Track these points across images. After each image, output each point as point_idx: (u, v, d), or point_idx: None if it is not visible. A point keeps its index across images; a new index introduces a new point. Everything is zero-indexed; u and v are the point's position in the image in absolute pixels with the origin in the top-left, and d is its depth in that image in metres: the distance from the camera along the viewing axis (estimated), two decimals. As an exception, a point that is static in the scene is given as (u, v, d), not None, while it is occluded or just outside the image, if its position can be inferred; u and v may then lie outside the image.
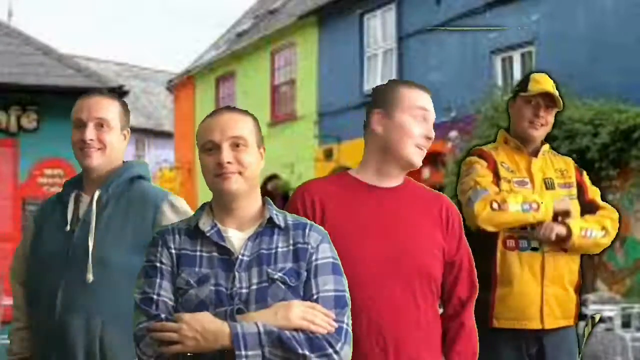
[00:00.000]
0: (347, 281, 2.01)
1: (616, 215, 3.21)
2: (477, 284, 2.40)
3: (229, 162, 1.98)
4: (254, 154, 2.03)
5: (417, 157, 2.28)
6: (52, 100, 8.86)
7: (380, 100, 2.39)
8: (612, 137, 9.93)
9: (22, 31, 10.12)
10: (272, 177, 19.14)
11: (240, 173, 1.99)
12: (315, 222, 2.18)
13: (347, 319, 1.93)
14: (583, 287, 3.25)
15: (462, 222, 2.45)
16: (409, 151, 2.27)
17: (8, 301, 8.28)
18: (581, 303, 3.24)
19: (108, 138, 2.46)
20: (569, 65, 11.07)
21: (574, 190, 3.19)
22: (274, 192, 19.21)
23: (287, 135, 18.56)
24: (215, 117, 2.06)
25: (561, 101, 3.18)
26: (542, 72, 3.29)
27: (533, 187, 3.13)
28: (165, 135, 30.37)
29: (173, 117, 26.95)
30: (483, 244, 3.05)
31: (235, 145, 2.00)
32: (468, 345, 2.34)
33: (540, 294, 3.07)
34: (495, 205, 3.01)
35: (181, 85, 24.66)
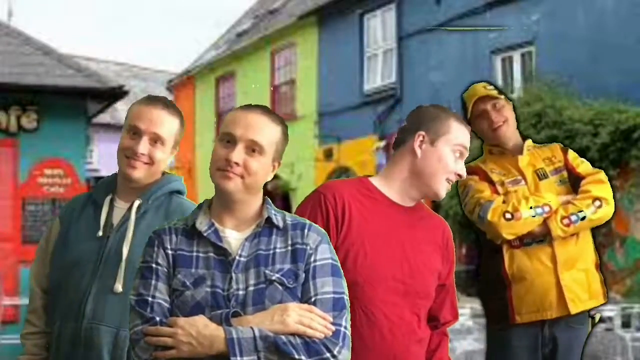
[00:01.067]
0: (347, 284, 1.98)
1: (598, 176, 3.19)
2: (458, 311, 2.49)
3: (236, 163, 1.94)
4: (265, 163, 1.99)
5: (443, 191, 2.31)
6: (52, 100, 8.85)
7: (428, 124, 2.37)
8: (612, 137, 9.93)
9: (22, 31, 10.12)
10: (272, 177, 19.09)
11: (242, 177, 1.95)
12: (338, 221, 2.22)
13: (346, 322, 1.90)
14: (602, 263, 3.26)
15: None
16: (439, 184, 2.29)
17: (8, 301, 8.29)
18: (605, 280, 3.26)
19: (159, 155, 2.40)
20: (569, 65, 11.08)
21: (565, 174, 3.23)
22: (274, 192, 19.20)
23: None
24: (245, 112, 2.03)
25: (495, 92, 3.22)
26: (474, 84, 3.32)
27: (526, 182, 3.18)
28: (165, 135, 30.30)
29: (173, 117, 26.91)
30: (490, 247, 3.14)
31: (251, 150, 1.96)
32: (443, 353, 2.42)
33: (555, 282, 3.08)
34: (508, 216, 3.06)
35: (181, 85, 24.66)
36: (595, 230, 3.22)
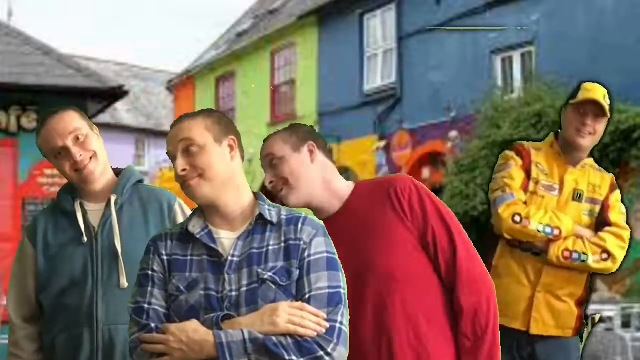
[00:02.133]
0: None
1: (624, 233, 3.12)
2: (465, 256, 2.22)
3: (183, 170, 1.93)
4: (212, 152, 1.94)
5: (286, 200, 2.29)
6: (52, 100, 8.84)
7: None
8: (612, 137, 9.93)
9: (22, 31, 10.11)
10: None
11: (200, 176, 1.92)
12: None
13: (342, 317, 1.85)
14: (587, 302, 3.22)
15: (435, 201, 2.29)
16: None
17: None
18: (585, 317, 3.19)
19: (93, 145, 2.41)
20: (569, 65, 11.08)
21: (598, 208, 3.17)
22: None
23: (287, 135, 18.56)
24: (170, 130, 2.03)
25: (607, 110, 3.14)
26: (597, 84, 3.23)
27: (560, 195, 3.12)
28: (165, 135, 29.89)
29: (173, 117, 26.95)
30: (491, 234, 3.13)
31: (186, 151, 1.94)
32: (469, 326, 2.18)
33: (530, 297, 3.06)
34: (517, 219, 3.02)
35: (181, 85, 24.66)
36: (595, 230, 3.18)
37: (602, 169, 3.28)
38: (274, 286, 1.85)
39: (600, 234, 3.09)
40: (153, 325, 1.88)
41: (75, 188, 2.45)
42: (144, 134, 32.62)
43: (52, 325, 2.36)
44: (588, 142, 3.14)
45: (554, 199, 3.11)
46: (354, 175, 16.51)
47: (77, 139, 2.37)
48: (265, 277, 1.86)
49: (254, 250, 1.90)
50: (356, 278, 2.11)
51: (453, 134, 13.47)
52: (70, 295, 2.33)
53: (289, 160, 2.28)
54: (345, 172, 17.10)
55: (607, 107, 3.12)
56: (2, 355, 2.47)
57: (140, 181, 2.53)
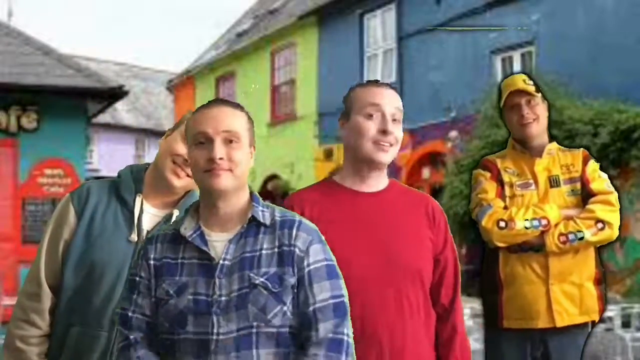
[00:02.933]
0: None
1: (608, 197, 3.13)
2: (459, 288, 2.38)
3: (221, 158, 1.88)
4: (245, 151, 1.94)
5: (376, 154, 2.23)
6: (52, 100, 8.86)
7: (343, 108, 2.41)
8: (612, 137, 9.94)
9: (22, 31, 10.12)
10: (272, 177, 19.15)
11: (230, 170, 1.89)
12: None
13: (347, 329, 1.86)
14: (604, 281, 3.21)
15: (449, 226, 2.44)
16: (366, 150, 2.24)
17: (8, 301, 8.28)
18: (605, 297, 3.19)
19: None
20: (569, 65, 11.08)
21: (578, 185, 3.17)
22: (274, 192, 19.21)
23: (287, 135, 18.57)
24: (208, 109, 1.95)
25: (533, 90, 3.16)
26: (513, 74, 3.30)
27: (537, 188, 3.14)
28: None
29: (173, 117, 26.96)
30: (489, 248, 3.13)
31: (229, 141, 1.90)
32: (463, 354, 2.35)
33: (545, 292, 3.06)
34: (502, 224, 3.05)
35: (181, 85, 24.66)
36: (583, 205, 3.18)
37: (570, 148, 3.29)
38: (265, 292, 1.82)
39: (588, 206, 3.10)
40: (132, 337, 1.88)
41: (142, 181, 2.32)
42: (144, 134, 32.61)
43: (70, 312, 2.24)
44: (535, 128, 3.16)
45: (534, 194, 3.13)
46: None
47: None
48: (257, 282, 1.82)
49: (247, 254, 1.86)
50: (381, 266, 2.19)
51: (453, 134, 13.47)
52: (97, 288, 2.22)
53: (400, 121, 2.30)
54: (345, 172, 17.10)
55: (532, 89, 3.15)
56: (2, 356, 2.37)
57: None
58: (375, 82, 2.34)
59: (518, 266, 3.08)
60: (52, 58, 9.29)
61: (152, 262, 1.91)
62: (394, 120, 2.24)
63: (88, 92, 8.92)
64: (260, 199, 1.98)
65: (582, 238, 3.04)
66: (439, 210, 2.35)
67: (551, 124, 3.30)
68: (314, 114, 17.84)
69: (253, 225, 1.90)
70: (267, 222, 1.91)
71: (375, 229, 2.22)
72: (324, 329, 1.83)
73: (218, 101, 1.99)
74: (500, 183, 3.16)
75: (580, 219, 3.07)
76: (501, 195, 3.14)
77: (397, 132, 2.24)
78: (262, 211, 1.92)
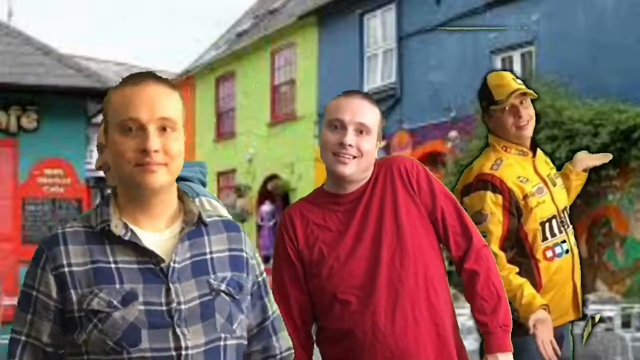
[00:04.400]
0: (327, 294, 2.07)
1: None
2: (472, 230, 2.30)
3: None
4: (182, 141, 1.64)
5: (335, 166, 2.23)
6: (52, 100, 8.86)
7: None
8: (612, 137, 9.93)
9: (22, 31, 10.12)
10: (272, 177, 19.14)
11: (166, 165, 1.60)
12: (299, 244, 2.25)
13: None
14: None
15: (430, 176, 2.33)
16: (328, 162, 2.27)
17: (8, 301, 8.29)
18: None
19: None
20: (569, 65, 11.08)
21: (559, 174, 3.15)
22: (274, 192, 19.20)
23: (287, 135, 18.56)
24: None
25: (523, 86, 3.01)
26: (499, 72, 3.13)
27: (548, 189, 3.01)
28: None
29: (173, 117, 26.94)
30: (519, 261, 2.93)
31: (163, 129, 1.60)
32: (487, 290, 2.26)
33: (573, 287, 3.03)
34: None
35: (181, 85, 24.64)
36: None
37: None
38: (228, 298, 1.62)
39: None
40: None
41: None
42: (144, 134, 32.58)
43: None
44: (531, 129, 3.03)
45: (549, 197, 3.00)
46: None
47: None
48: (222, 288, 1.62)
49: (198, 257, 1.63)
50: (373, 255, 2.19)
51: (453, 134, 13.46)
52: None
53: (373, 139, 2.26)
54: (345, 172, 17.09)
55: (522, 85, 3.01)
56: (3, 356, 2.37)
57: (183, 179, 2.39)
58: (345, 94, 2.32)
59: (557, 271, 3.00)
60: (52, 58, 9.29)
61: (66, 269, 1.56)
62: (360, 132, 2.22)
63: (88, 92, 8.92)
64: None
65: (564, 241, 2.99)
66: (415, 168, 2.30)
67: (551, 124, 3.26)
68: (314, 114, 17.83)
69: (193, 224, 1.66)
70: (207, 220, 1.68)
71: (361, 229, 2.24)
72: (285, 340, 1.78)
73: (150, 77, 1.63)
74: (509, 210, 2.89)
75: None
76: (509, 228, 2.89)
77: (363, 143, 2.21)
78: (197, 207, 1.69)
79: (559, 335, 2.92)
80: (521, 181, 2.94)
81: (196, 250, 1.64)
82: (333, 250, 2.22)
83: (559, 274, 2.98)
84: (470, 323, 6.80)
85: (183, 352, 1.54)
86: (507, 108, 2.99)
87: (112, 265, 1.57)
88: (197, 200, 1.79)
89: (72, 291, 1.55)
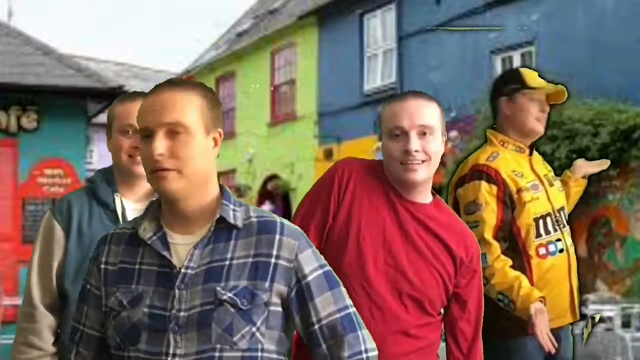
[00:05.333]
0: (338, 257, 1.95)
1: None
2: (481, 328, 2.25)
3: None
4: (200, 143, 1.62)
5: (405, 174, 2.12)
6: (52, 100, 8.86)
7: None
8: (612, 137, 9.93)
9: (22, 31, 10.12)
10: (272, 177, 19.14)
11: (178, 170, 1.60)
12: (340, 194, 2.13)
13: (365, 344, 1.66)
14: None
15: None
16: (396, 171, 2.15)
17: (8, 301, 8.28)
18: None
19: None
20: (569, 65, 11.07)
21: (557, 178, 3.15)
22: (274, 192, 19.20)
23: (287, 135, 18.57)
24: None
25: (565, 93, 3.06)
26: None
27: (544, 188, 3.01)
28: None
29: (173, 117, 26.97)
30: (511, 256, 2.91)
31: (173, 134, 1.62)
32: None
33: (569, 289, 3.01)
34: (483, 281, 2.71)
35: (181, 85, 24.66)
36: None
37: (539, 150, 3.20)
38: (232, 309, 1.56)
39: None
40: (81, 356, 1.71)
41: (114, 180, 2.32)
42: (144, 134, 32.59)
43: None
44: (543, 127, 3.07)
45: (542, 195, 2.98)
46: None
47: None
48: (224, 297, 1.56)
49: (214, 263, 1.60)
50: (387, 277, 2.13)
51: (453, 134, 13.46)
52: None
53: (438, 137, 2.17)
54: (345, 172, 17.10)
55: (563, 90, 3.06)
56: (2, 356, 2.37)
57: None
58: (399, 100, 2.20)
59: (551, 269, 2.97)
60: (52, 58, 9.29)
61: (103, 266, 1.67)
62: (423, 134, 2.12)
63: (88, 92, 8.92)
64: (232, 195, 1.71)
65: (559, 239, 2.97)
66: (475, 250, 2.22)
67: (551, 124, 3.25)
68: (314, 114, 17.83)
69: (222, 227, 1.62)
70: (239, 223, 1.62)
71: (403, 241, 2.14)
72: (357, 341, 1.64)
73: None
74: (503, 200, 2.89)
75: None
76: (502, 219, 2.89)
77: (429, 146, 2.11)
78: (234, 210, 1.64)
79: (556, 337, 2.85)
80: (516, 175, 2.94)
81: (217, 255, 1.60)
82: (362, 236, 2.12)
83: (553, 273, 2.94)
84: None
85: (168, 359, 1.55)
86: (535, 97, 3.00)
87: (136, 267, 1.63)
88: (243, 205, 1.68)
89: (103, 287, 1.67)
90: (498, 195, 2.87)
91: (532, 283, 2.85)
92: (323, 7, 17.26)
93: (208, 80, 22.86)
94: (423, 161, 2.10)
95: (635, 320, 8.09)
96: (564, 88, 3.05)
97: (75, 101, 9.02)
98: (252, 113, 20.20)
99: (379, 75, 16.28)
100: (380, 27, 16.35)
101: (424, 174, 2.11)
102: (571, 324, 3.12)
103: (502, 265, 2.80)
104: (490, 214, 2.85)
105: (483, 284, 2.38)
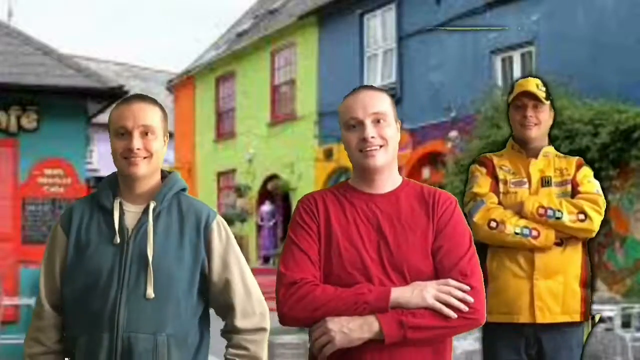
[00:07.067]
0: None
1: (596, 197, 3.18)
2: (467, 273, 2.23)
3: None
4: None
5: (365, 160, 2.24)
6: (52, 100, 8.85)
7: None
8: (612, 137, 9.93)
9: (22, 31, 10.11)
10: (272, 177, 19.13)
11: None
12: (320, 222, 2.24)
13: None
14: (593, 281, 3.24)
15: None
16: (357, 160, 2.28)
17: (8, 301, 8.28)
18: (590, 299, 3.23)
19: (155, 146, 2.35)
20: (569, 65, 11.08)
21: (569, 187, 3.23)
22: (274, 192, 19.20)
23: (287, 135, 18.57)
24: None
25: (544, 97, 3.25)
26: (533, 76, 3.41)
27: (530, 186, 3.23)
28: (165, 135, 30.39)
29: (173, 117, 26.97)
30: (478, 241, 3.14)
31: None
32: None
33: (530, 288, 3.11)
34: (493, 224, 3.13)
35: (181, 85, 24.66)
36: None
37: (566, 155, 3.38)
38: None
39: (575, 199, 3.18)
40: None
41: (117, 184, 2.41)
42: (144, 134, 32.62)
43: (74, 323, 2.33)
44: (534, 132, 3.27)
45: (526, 192, 3.22)
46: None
47: (146, 133, 2.33)
48: None
49: None
50: (392, 268, 2.17)
51: (453, 134, 13.47)
52: (93, 294, 2.28)
53: (391, 124, 2.28)
54: (345, 172, 17.10)
55: (542, 95, 3.24)
56: (2, 356, 2.45)
57: (184, 189, 2.47)
58: (355, 92, 2.34)
59: (505, 259, 3.16)
60: (52, 58, 9.27)
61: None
62: (377, 121, 2.24)
63: (88, 92, 8.90)
64: None
65: (559, 218, 3.11)
66: (442, 200, 2.28)
67: (552, 124, 3.35)
68: (314, 114, 17.84)
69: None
70: None
71: (381, 233, 2.21)
72: None
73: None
74: (495, 179, 3.27)
75: (565, 202, 3.15)
76: (495, 190, 3.25)
77: (384, 131, 2.23)
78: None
79: (519, 332, 3.12)
80: (504, 169, 3.30)
81: None
82: (349, 241, 2.21)
83: (508, 263, 3.16)
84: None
85: None
86: (518, 106, 3.29)
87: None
88: None
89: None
90: (487, 173, 3.30)
91: (486, 270, 3.08)
92: (323, 7, 17.27)
93: (208, 80, 22.86)
94: (380, 146, 2.22)
95: (635, 320, 8.09)
96: (521, 83, 3.34)
97: (75, 101, 9.00)
98: (252, 113, 20.20)
99: (379, 75, 16.28)
100: (380, 27, 16.36)
101: (382, 158, 2.23)
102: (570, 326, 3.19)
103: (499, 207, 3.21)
104: (483, 180, 3.28)
105: (491, 228, 3.10)
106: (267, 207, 19.40)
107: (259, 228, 19.64)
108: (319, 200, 2.29)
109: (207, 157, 22.69)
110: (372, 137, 2.21)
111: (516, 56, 13.30)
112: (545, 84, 3.30)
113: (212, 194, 22.05)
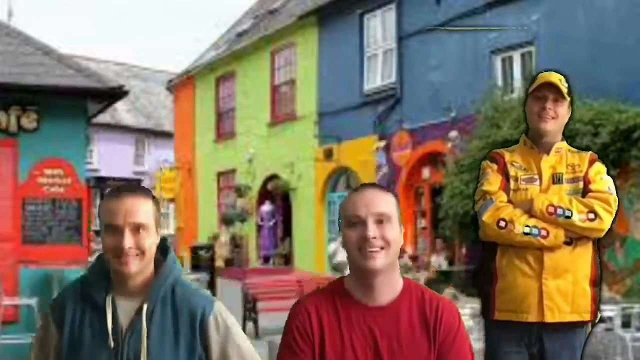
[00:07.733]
0: None
1: (607, 196, 3.15)
2: None
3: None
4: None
5: (364, 261, 2.12)
6: (52, 100, 8.84)
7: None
8: (612, 137, 9.93)
9: (22, 31, 10.11)
10: (272, 177, 19.13)
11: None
12: (315, 343, 2.13)
13: None
14: (600, 283, 3.23)
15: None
16: (356, 259, 2.14)
17: (8, 301, 8.28)
18: (599, 299, 3.21)
19: (147, 243, 2.25)
20: (569, 65, 10.99)
21: (581, 184, 3.21)
22: (274, 192, 19.20)
23: (287, 135, 18.57)
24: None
25: (566, 92, 3.23)
26: (555, 71, 3.37)
27: (541, 183, 3.19)
28: (165, 135, 30.37)
29: (173, 117, 26.97)
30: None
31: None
32: None
33: (538, 287, 3.09)
34: (502, 224, 3.11)
35: (181, 85, 24.66)
36: None
37: (579, 150, 3.33)
38: None
39: (586, 198, 3.15)
40: None
41: (109, 277, 2.31)
42: (144, 134, 32.60)
43: None
44: (551, 125, 3.22)
45: (536, 189, 3.19)
46: (354, 175, 16.51)
47: (138, 230, 2.23)
48: None
49: None
50: None
51: (453, 134, 13.46)
52: None
53: (395, 225, 2.17)
54: (345, 172, 17.11)
55: (564, 89, 3.23)
56: (2, 356, 2.40)
57: (179, 278, 2.38)
58: (359, 190, 2.22)
59: (514, 258, 3.14)
60: (52, 58, 9.27)
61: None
62: (380, 222, 2.12)
63: (88, 92, 8.90)
64: None
65: (569, 217, 3.09)
66: (446, 315, 2.20)
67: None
68: (313, 114, 17.83)
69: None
70: None
71: (381, 354, 2.12)
72: None
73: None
74: (506, 176, 3.23)
75: (576, 201, 3.13)
76: (505, 188, 3.21)
77: (387, 233, 2.11)
78: None
79: (522, 329, 3.11)
80: (515, 165, 3.26)
81: None
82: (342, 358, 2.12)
83: (517, 262, 3.14)
84: (470, 323, 6.79)
85: None
86: (538, 97, 3.24)
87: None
88: None
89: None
90: (499, 170, 3.26)
91: (495, 268, 3.16)
92: (323, 7, 17.27)
93: (208, 80, 22.86)
94: (382, 248, 2.10)
95: (635, 320, 8.09)
96: (544, 75, 3.32)
97: (75, 101, 9.00)
98: (252, 113, 20.20)
99: (379, 75, 16.28)
100: (380, 27, 16.35)
101: (382, 260, 2.10)
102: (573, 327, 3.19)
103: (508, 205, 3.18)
104: (493, 177, 3.24)
105: (500, 227, 3.09)
106: (267, 207, 19.40)
107: (259, 228, 19.64)
108: (312, 314, 2.16)
109: (207, 157, 22.69)
110: (374, 238, 2.10)
111: (516, 56, 13.30)
112: (567, 81, 3.28)
113: (212, 194, 22.05)
